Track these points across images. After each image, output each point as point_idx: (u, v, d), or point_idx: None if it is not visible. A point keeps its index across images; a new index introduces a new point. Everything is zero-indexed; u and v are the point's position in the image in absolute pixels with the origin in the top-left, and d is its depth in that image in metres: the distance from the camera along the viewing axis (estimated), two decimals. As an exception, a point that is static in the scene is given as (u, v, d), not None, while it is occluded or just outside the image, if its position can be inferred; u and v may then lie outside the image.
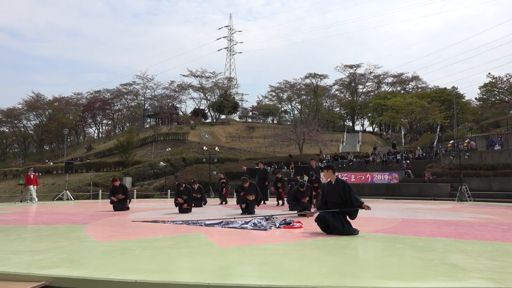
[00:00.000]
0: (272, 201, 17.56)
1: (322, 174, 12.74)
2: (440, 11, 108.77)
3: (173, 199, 12.24)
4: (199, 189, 15.28)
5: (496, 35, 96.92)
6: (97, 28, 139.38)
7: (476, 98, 58.44)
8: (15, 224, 8.31)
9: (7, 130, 77.06)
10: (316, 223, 6.43)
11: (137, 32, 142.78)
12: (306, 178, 12.88)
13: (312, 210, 9.29)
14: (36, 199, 19.21)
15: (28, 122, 77.42)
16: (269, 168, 21.72)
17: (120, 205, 12.34)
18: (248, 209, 10.78)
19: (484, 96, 55.36)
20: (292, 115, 77.25)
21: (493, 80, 52.96)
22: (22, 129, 76.97)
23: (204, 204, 15.39)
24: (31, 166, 36.77)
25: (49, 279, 3.31)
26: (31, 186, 18.89)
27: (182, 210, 11.50)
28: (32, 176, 19.05)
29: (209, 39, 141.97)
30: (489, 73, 55.01)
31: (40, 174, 39.14)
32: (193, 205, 12.50)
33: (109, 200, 12.72)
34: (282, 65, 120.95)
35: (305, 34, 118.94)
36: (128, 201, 12.79)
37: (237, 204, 11.76)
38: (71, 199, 21.53)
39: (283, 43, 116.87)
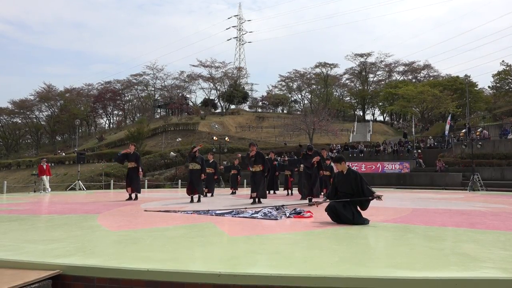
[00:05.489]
0: (282, 191, 17.60)
1: (333, 165, 12.71)
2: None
3: (185, 188, 12.16)
4: (214, 163, 15.91)
5: (506, 22, 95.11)
6: (102, 19, 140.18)
7: (489, 87, 57.62)
8: (29, 213, 8.44)
9: (20, 121, 78.07)
10: (326, 212, 6.42)
11: (142, 22, 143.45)
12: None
13: (321, 199, 9.29)
14: (49, 189, 19.47)
15: (40, 113, 78.45)
16: (279, 158, 21.74)
17: (133, 174, 12.40)
18: (254, 181, 10.52)
19: (498, 84, 54.51)
20: (302, 104, 77.03)
21: (507, 68, 52.06)
22: (35, 120, 77.90)
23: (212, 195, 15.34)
24: (43, 156, 37.31)
25: (63, 268, 3.35)
26: (44, 177, 19.14)
27: (194, 181, 11.27)
28: (45, 166, 19.29)
29: (215, 29, 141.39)
30: (503, 61, 54.11)
31: (52, 164, 39.63)
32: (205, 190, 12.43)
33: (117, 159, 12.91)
34: (288, 54, 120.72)
35: (309, 23, 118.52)
36: (141, 170, 12.72)
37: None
38: (83, 189, 21.81)
39: (288, 33, 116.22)
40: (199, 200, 11.46)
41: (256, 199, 10.56)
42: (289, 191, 16.51)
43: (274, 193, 16.73)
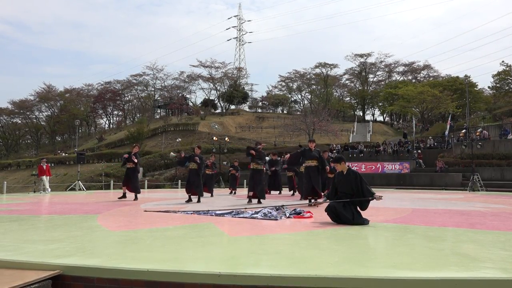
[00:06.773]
0: (285, 191, 17.59)
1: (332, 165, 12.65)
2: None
3: (185, 189, 12.17)
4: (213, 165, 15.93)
5: (506, 22, 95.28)
6: (101, 20, 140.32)
7: (489, 87, 57.64)
8: (29, 214, 8.43)
9: (19, 122, 78.11)
10: (326, 213, 6.42)
11: (141, 23, 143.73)
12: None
13: (322, 200, 9.28)
14: (49, 189, 19.47)
15: (40, 114, 78.57)
16: (279, 158, 21.73)
17: (130, 173, 12.39)
18: (253, 179, 10.56)
19: (498, 85, 54.51)
20: (302, 105, 77.09)
21: (507, 68, 52.06)
22: (35, 120, 77.95)
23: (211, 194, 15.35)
24: (43, 157, 37.29)
25: (62, 268, 3.35)
26: (44, 177, 19.14)
27: (192, 180, 11.34)
28: (44, 166, 19.29)
29: (214, 29, 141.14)
30: (503, 61, 54.14)
31: (52, 164, 39.63)
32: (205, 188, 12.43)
33: (124, 159, 12.88)
34: (288, 54, 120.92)
35: (309, 23, 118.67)
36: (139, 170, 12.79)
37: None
38: (83, 189, 21.80)
39: (288, 33, 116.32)
40: (198, 201, 11.42)
41: (256, 200, 10.56)
42: (293, 191, 16.48)
43: (279, 193, 16.80)
